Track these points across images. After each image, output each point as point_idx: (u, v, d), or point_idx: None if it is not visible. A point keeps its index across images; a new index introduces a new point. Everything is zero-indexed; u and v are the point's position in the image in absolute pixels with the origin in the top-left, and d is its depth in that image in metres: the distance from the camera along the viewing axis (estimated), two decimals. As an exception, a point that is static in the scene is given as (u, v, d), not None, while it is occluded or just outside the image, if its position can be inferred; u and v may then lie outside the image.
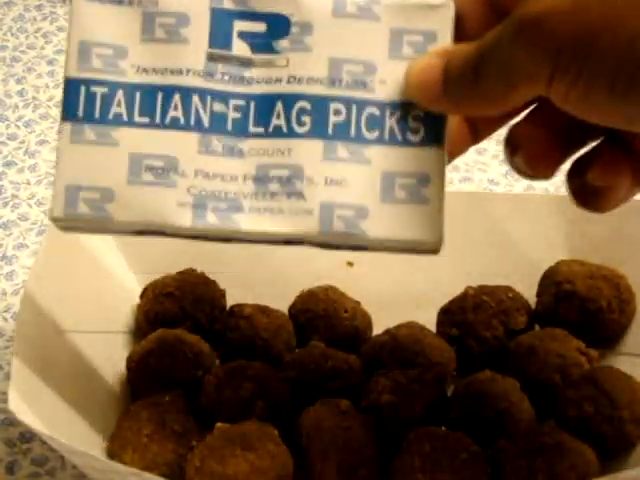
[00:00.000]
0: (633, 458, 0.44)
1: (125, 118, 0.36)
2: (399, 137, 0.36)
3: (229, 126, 0.37)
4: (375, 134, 0.36)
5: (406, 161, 0.36)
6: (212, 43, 0.36)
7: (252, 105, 0.37)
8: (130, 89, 0.36)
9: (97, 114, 0.36)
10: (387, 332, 0.49)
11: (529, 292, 0.51)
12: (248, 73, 0.37)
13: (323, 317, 0.50)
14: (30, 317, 0.45)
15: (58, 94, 0.69)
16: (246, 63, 0.37)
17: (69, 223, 0.37)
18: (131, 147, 0.36)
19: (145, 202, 0.36)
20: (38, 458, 0.47)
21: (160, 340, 0.47)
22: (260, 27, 0.37)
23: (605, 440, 0.43)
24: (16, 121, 0.67)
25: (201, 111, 0.36)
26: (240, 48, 0.37)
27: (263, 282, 0.53)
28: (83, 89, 0.36)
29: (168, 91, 0.36)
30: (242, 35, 0.37)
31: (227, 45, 0.37)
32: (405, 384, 0.45)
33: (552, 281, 0.50)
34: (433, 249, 0.36)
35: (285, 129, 0.36)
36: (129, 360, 0.48)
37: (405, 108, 0.36)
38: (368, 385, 0.46)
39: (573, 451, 0.42)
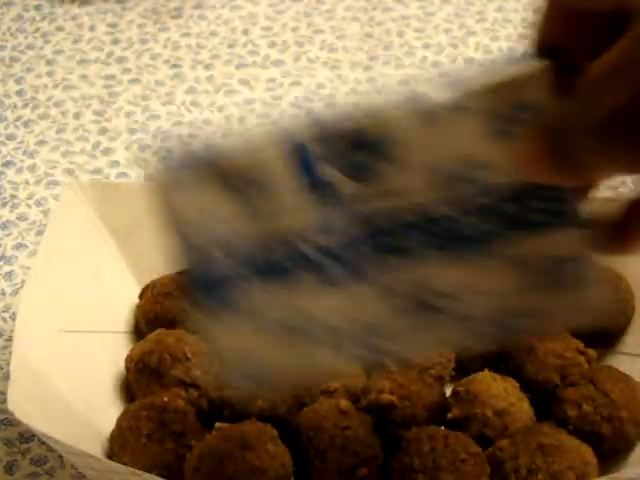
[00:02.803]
0: (632, 458, 0.44)
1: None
2: (523, 221, 0.33)
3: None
4: (491, 226, 0.33)
5: (537, 247, 0.34)
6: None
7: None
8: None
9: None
10: (387, 332, 0.49)
11: (528, 292, 0.50)
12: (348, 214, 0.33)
13: (322, 317, 0.50)
14: (29, 317, 0.45)
15: (57, 94, 0.69)
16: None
17: None
18: None
19: None
20: (37, 458, 0.47)
21: (160, 340, 0.47)
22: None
23: (604, 440, 0.43)
24: (15, 121, 0.67)
25: None
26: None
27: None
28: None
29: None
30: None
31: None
32: (405, 384, 0.45)
33: (551, 281, 0.50)
34: None
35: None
36: (128, 360, 0.48)
37: (525, 191, 0.33)
38: (368, 385, 0.46)
39: (572, 451, 0.42)
